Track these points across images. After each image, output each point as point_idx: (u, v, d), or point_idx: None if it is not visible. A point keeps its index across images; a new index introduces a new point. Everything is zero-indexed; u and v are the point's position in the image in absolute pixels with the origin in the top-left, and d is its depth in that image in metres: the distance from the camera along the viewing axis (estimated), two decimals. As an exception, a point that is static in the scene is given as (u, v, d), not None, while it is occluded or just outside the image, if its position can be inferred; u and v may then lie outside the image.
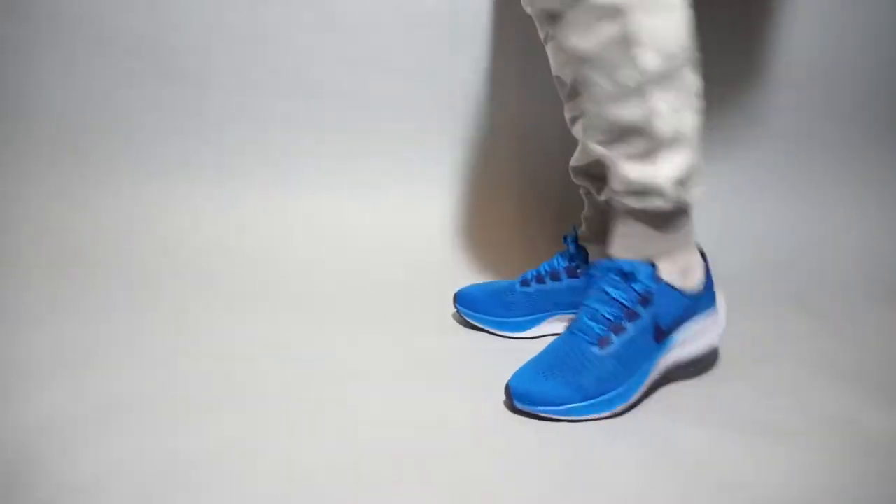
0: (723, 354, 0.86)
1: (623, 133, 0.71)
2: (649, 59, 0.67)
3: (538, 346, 0.89)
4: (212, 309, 0.98)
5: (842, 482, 0.60)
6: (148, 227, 1.20)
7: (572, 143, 0.89)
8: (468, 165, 1.28)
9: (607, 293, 0.72)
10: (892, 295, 1.06)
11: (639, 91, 0.68)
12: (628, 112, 0.69)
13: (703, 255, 0.78)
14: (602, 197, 0.80)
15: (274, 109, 1.24)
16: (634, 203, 0.72)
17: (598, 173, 0.85)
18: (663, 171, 0.70)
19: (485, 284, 0.96)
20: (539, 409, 0.68)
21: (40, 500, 0.56)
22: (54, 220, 1.20)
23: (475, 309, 0.93)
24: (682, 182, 0.71)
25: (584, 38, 0.69)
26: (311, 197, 1.26)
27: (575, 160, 0.91)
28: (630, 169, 0.72)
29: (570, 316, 0.91)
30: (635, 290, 0.71)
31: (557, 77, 0.82)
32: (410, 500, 0.57)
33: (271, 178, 1.27)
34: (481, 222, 1.26)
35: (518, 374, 0.71)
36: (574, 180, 0.91)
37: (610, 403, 0.69)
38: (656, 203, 0.71)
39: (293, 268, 1.15)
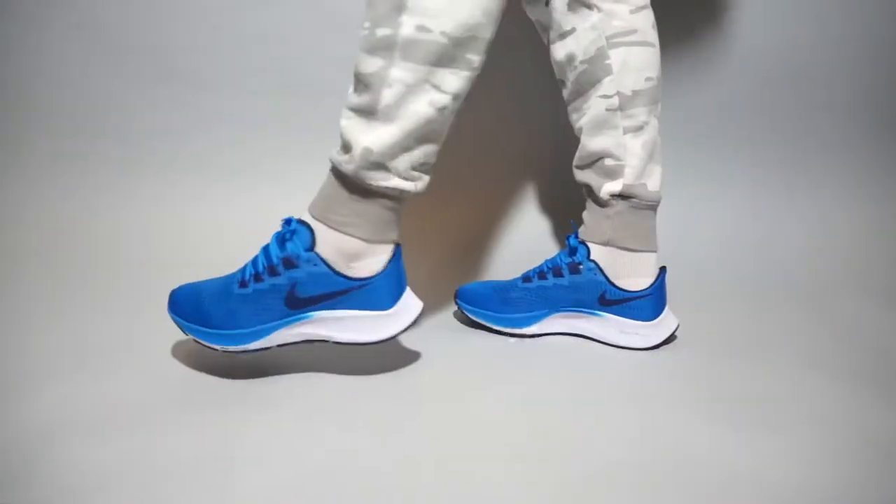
0: (723, 352, 0.86)
1: (357, 81, 0.71)
2: (406, 25, 0.67)
3: (538, 344, 0.89)
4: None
5: (841, 482, 0.60)
6: (148, 226, 1.20)
7: (570, 142, 0.90)
8: (471, 165, 1.28)
9: (268, 244, 0.74)
10: (891, 294, 1.06)
11: (384, 50, 0.68)
12: (368, 65, 0.69)
13: (398, 250, 0.76)
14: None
15: (274, 109, 1.24)
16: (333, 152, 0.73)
17: (607, 169, 0.88)
18: (363, 135, 0.70)
19: (487, 282, 0.96)
20: (178, 321, 0.75)
21: (40, 500, 0.56)
22: (54, 219, 1.20)
23: (475, 304, 0.93)
24: (369, 155, 0.70)
25: None
26: (312, 196, 1.26)
27: (576, 160, 0.92)
28: (346, 122, 0.72)
29: (572, 314, 0.91)
30: (285, 251, 0.72)
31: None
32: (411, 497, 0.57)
33: (271, 178, 1.27)
34: (478, 222, 1.26)
35: (186, 287, 0.76)
36: (577, 179, 0.92)
37: (225, 339, 0.73)
38: (343, 166, 0.71)
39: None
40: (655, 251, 0.90)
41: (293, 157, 1.26)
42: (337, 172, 0.73)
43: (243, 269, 0.76)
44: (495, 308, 0.92)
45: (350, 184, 0.72)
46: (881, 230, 1.22)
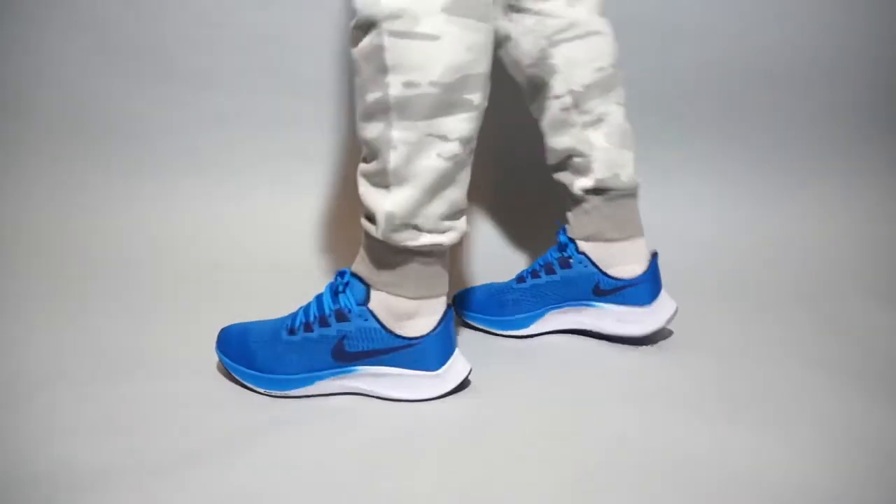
0: (722, 353, 0.86)
1: (364, 147, 0.70)
2: (393, 85, 0.65)
3: (538, 344, 0.89)
4: (217, 308, 0.97)
5: (841, 482, 0.60)
6: (148, 226, 1.20)
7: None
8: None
9: (321, 294, 0.75)
10: (891, 294, 1.06)
11: (380, 114, 0.67)
12: (368, 131, 0.68)
13: (449, 312, 0.75)
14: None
15: (275, 109, 1.24)
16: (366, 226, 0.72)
17: (576, 167, 0.88)
18: (382, 201, 0.69)
19: (483, 286, 0.96)
20: (224, 360, 0.76)
21: (39, 500, 0.56)
22: (54, 219, 1.20)
23: (473, 309, 0.93)
24: (393, 219, 0.69)
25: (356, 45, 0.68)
26: (316, 195, 1.26)
27: (549, 161, 0.92)
28: (364, 189, 0.71)
29: (569, 309, 0.91)
30: (337, 302, 0.73)
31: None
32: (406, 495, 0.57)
33: (273, 177, 1.27)
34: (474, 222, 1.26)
35: (235, 326, 0.78)
36: (555, 179, 0.92)
37: (269, 383, 0.74)
38: (373, 233, 0.71)
39: (302, 268, 1.14)
40: (641, 236, 0.89)
41: (295, 157, 1.26)
42: (370, 237, 0.72)
43: (294, 316, 0.76)
44: (493, 312, 0.92)
45: (385, 247, 0.71)
46: (881, 230, 1.22)
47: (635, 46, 1.18)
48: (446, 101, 0.66)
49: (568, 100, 0.85)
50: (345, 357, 0.73)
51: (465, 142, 0.68)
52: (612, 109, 0.86)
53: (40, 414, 0.69)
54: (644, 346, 0.88)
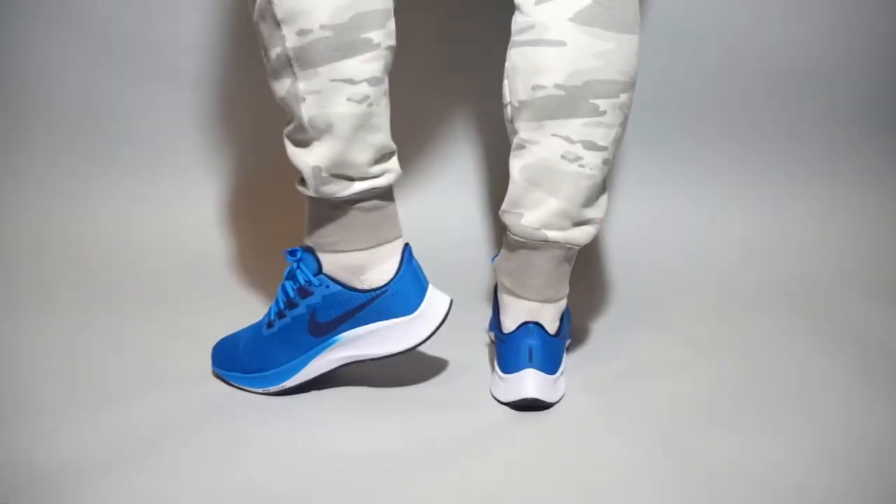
0: (722, 353, 0.86)
1: (285, 110, 0.69)
2: (288, 36, 0.64)
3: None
4: (219, 310, 0.97)
5: (841, 482, 0.60)
6: (148, 226, 1.20)
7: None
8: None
9: (284, 281, 0.74)
10: (891, 294, 1.06)
11: (284, 69, 0.66)
12: (279, 89, 0.68)
13: (408, 250, 0.72)
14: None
15: (278, 110, 1.24)
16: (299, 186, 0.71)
17: None
18: (306, 157, 0.68)
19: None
20: (219, 373, 0.77)
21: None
22: (53, 219, 1.20)
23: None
24: (320, 173, 0.67)
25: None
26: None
27: None
28: (290, 151, 0.70)
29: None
30: (298, 280, 0.72)
31: None
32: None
33: (274, 178, 1.27)
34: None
35: (226, 339, 0.79)
36: None
37: (262, 381, 0.74)
38: (307, 192, 0.70)
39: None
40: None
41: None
42: (309, 201, 0.71)
43: (269, 311, 0.75)
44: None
45: (322, 204, 0.70)
46: (882, 230, 1.22)
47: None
48: (343, 43, 0.64)
49: (508, 111, 0.74)
50: (322, 330, 0.72)
51: (374, 83, 0.66)
52: (546, 142, 0.70)
53: (38, 413, 0.69)
54: (643, 347, 0.88)
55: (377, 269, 0.71)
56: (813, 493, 0.59)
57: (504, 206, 0.74)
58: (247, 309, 0.95)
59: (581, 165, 0.70)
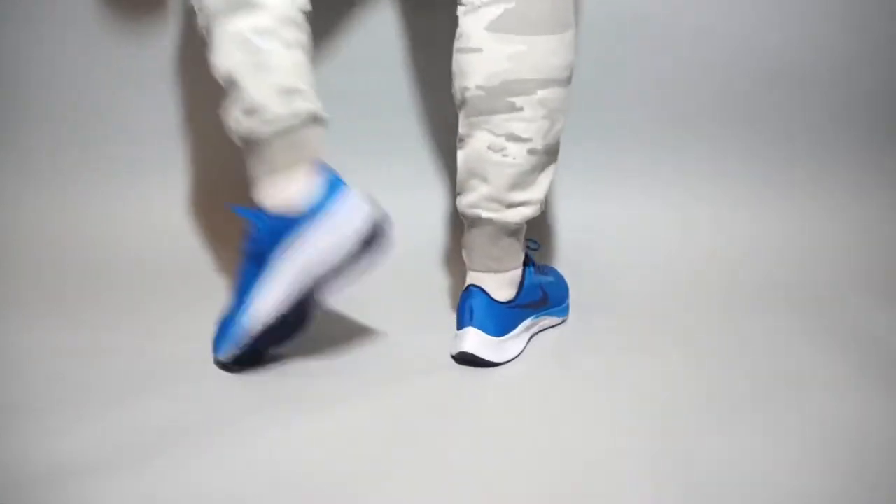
0: (723, 353, 0.86)
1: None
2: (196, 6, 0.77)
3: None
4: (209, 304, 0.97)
5: (842, 482, 0.60)
6: (148, 227, 1.20)
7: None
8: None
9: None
10: (891, 294, 1.06)
11: (205, 31, 0.78)
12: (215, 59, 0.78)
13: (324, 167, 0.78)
14: None
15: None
16: None
17: None
18: (231, 108, 0.77)
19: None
20: (221, 353, 0.80)
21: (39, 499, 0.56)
22: (52, 219, 1.20)
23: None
24: (238, 119, 0.76)
25: None
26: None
27: None
28: (226, 115, 0.79)
29: None
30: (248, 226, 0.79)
31: None
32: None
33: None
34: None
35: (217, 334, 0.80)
36: None
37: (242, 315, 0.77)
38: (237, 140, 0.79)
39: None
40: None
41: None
42: (245, 152, 0.78)
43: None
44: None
45: (250, 144, 0.76)
46: (883, 230, 1.22)
47: (636, 46, 1.18)
48: (232, 4, 0.75)
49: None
50: (260, 257, 0.76)
51: (261, 32, 0.75)
52: (473, 134, 0.81)
53: (37, 413, 0.69)
54: (642, 346, 0.88)
55: (298, 186, 0.76)
56: (813, 494, 0.59)
57: (456, 190, 0.86)
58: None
59: (504, 155, 0.80)
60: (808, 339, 0.91)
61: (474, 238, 0.84)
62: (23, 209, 1.21)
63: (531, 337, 0.90)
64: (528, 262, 0.90)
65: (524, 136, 0.80)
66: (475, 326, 0.81)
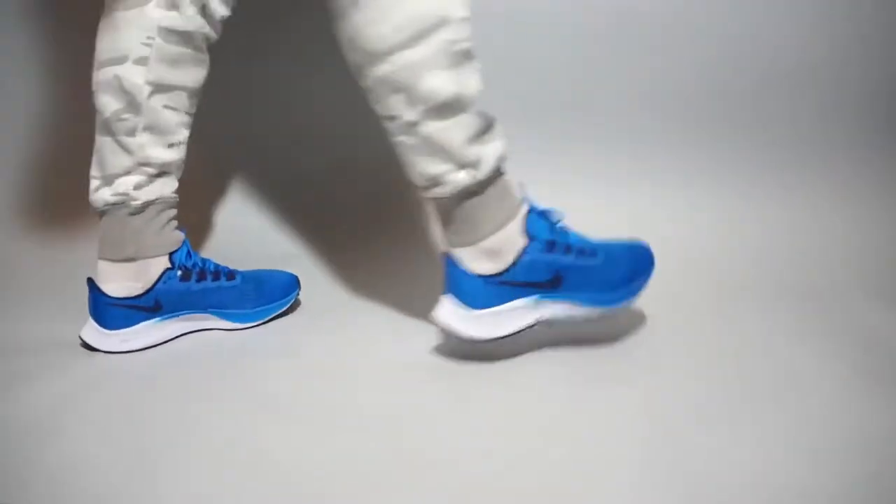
0: (722, 353, 0.86)
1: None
2: None
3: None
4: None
5: (841, 481, 0.60)
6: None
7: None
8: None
9: None
10: (891, 294, 1.06)
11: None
12: None
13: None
14: None
15: (281, 114, 1.24)
16: None
17: None
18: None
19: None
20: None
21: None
22: (53, 219, 1.20)
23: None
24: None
25: None
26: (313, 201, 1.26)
27: None
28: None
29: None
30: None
31: None
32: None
33: (277, 179, 1.27)
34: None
35: None
36: None
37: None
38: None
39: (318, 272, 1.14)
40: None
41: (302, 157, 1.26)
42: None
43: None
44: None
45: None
46: (884, 230, 1.22)
47: (637, 46, 1.18)
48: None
49: None
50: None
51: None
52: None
53: (36, 414, 0.69)
54: (640, 345, 0.88)
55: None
56: (813, 494, 0.58)
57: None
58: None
59: (400, 139, 0.79)
60: (808, 338, 0.90)
61: (433, 211, 0.87)
62: (24, 208, 1.20)
63: (538, 322, 0.83)
64: (534, 237, 0.81)
65: (396, 116, 0.78)
66: (449, 295, 0.80)
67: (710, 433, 0.68)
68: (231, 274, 0.93)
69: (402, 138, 0.78)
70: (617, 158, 1.22)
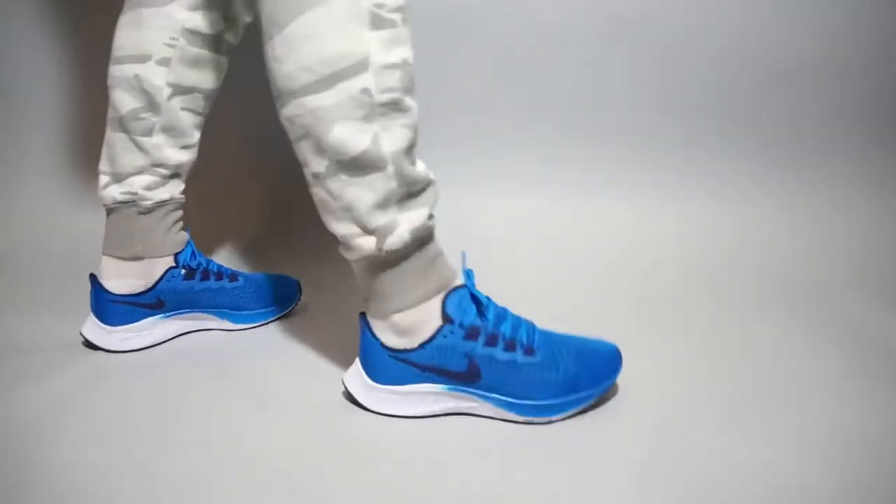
0: (723, 353, 0.86)
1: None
2: None
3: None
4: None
5: (841, 482, 0.60)
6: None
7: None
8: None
9: None
10: (891, 294, 1.06)
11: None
12: None
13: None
14: None
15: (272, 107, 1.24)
16: None
17: None
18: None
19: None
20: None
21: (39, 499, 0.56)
22: (51, 220, 1.20)
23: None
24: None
25: None
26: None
27: None
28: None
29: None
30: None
31: None
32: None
33: (280, 178, 1.27)
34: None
35: None
36: None
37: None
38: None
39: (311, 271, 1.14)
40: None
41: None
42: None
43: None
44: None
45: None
46: (884, 230, 1.22)
47: (637, 46, 1.18)
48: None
49: None
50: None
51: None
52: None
53: (35, 413, 0.69)
54: (640, 345, 0.88)
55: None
56: (813, 494, 0.58)
57: None
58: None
59: (310, 190, 0.70)
60: (809, 338, 0.91)
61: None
62: (24, 208, 1.20)
63: (448, 414, 0.71)
64: (452, 321, 0.68)
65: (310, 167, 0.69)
66: (358, 359, 0.73)
67: (711, 433, 0.68)
68: (234, 276, 0.92)
69: (311, 189, 0.69)
70: (617, 158, 1.22)
